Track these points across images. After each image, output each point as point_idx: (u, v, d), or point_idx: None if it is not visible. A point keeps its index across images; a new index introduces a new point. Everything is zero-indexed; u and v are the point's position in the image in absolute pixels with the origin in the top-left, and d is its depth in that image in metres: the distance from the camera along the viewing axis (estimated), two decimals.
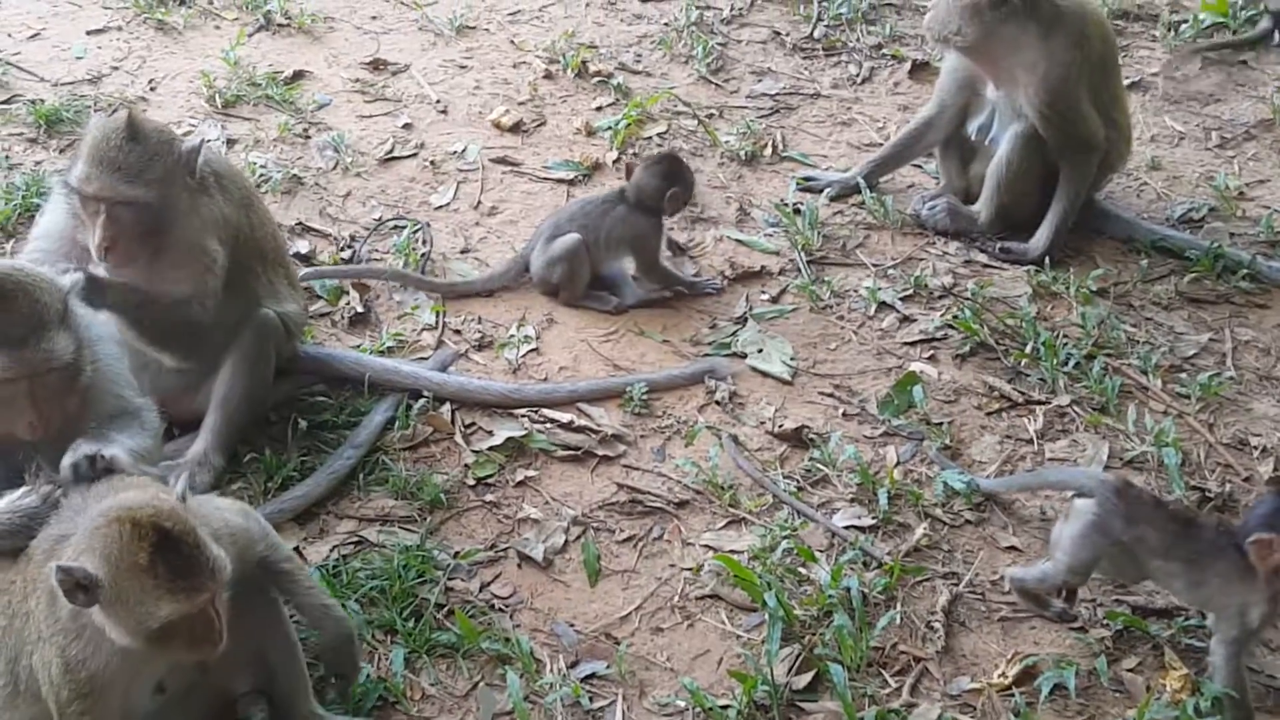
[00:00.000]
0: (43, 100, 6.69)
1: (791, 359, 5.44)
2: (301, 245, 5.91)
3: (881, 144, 6.74)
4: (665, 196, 5.74)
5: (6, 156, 6.30)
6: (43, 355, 3.66)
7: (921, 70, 7.52)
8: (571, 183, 6.52)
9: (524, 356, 5.45)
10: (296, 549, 4.34)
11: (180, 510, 3.25)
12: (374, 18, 7.86)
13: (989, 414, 5.19)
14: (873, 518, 4.69)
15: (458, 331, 5.56)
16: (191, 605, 3.16)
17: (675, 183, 5.76)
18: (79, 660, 3.29)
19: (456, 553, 4.54)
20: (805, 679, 4.08)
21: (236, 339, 4.79)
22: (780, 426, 5.10)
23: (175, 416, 4.59)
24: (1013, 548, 4.61)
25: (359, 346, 5.41)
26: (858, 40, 7.85)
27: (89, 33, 7.44)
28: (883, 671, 4.14)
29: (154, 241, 4.52)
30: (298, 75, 7.21)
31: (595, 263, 5.74)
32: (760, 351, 5.48)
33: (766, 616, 4.21)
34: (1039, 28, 5.87)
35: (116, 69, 7.13)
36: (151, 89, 6.95)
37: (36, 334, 3.65)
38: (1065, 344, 5.49)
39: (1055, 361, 5.37)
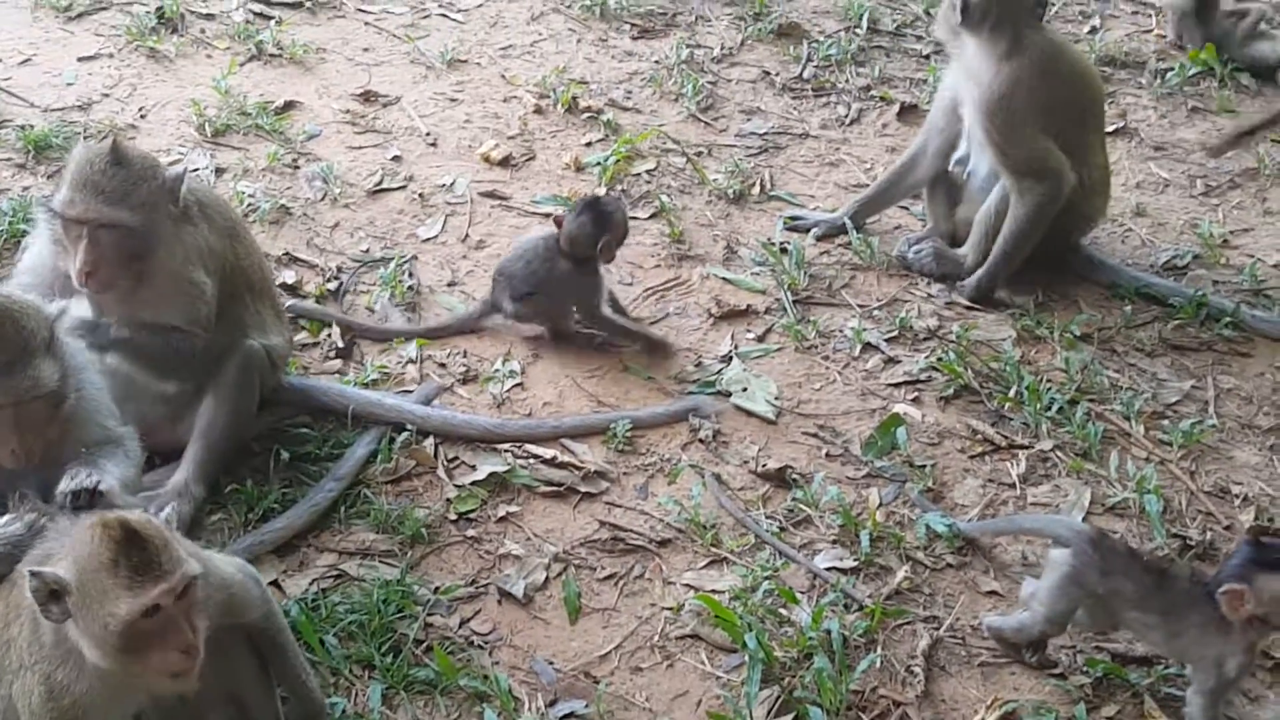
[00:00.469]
0: (32, 126, 6.69)
1: (776, 398, 5.44)
2: (288, 275, 5.91)
3: (869, 185, 6.76)
4: (598, 246, 5.62)
5: None
6: (29, 383, 3.66)
7: (910, 112, 7.56)
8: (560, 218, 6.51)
9: (508, 391, 5.44)
10: (275, 582, 4.33)
11: (153, 520, 3.26)
12: (365, 50, 7.88)
13: (972, 457, 5.19)
14: (854, 560, 4.68)
15: (442, 365, 5.55)
16: (147, 598, 3.11)
17: (605, 229, 5.62)
18: (62, 687, 3.27)
19: (437, 588, 4.52)
20: None
21: (220, 369, 4.78)
22: (763, 466, 5.10)
23: (156, 445, 4.57)
24: (994, 592, 4.60)
25: (343, 378, 5.40)
26: (846, 81, 7.89)
27: (80, 59, 7.44)
28: (862, 715, 4.13)
29: (136, 267, 4.51)
30: (288, 105, 7.22)
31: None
32: (745, 390, 5.48)
33: (747, 658, 4.20)
34: (1000, 48, 5.96)
35: (107, 96, 7.13)
36: (142, 116, 6.95)
37: (23, 361, 3.65)
38: (1049, 388, 5.51)
39: (1038, 406, 5.38)
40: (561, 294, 5.68)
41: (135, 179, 4.47)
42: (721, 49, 8.12)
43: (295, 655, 3.81)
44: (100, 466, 3.74)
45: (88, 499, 3.58)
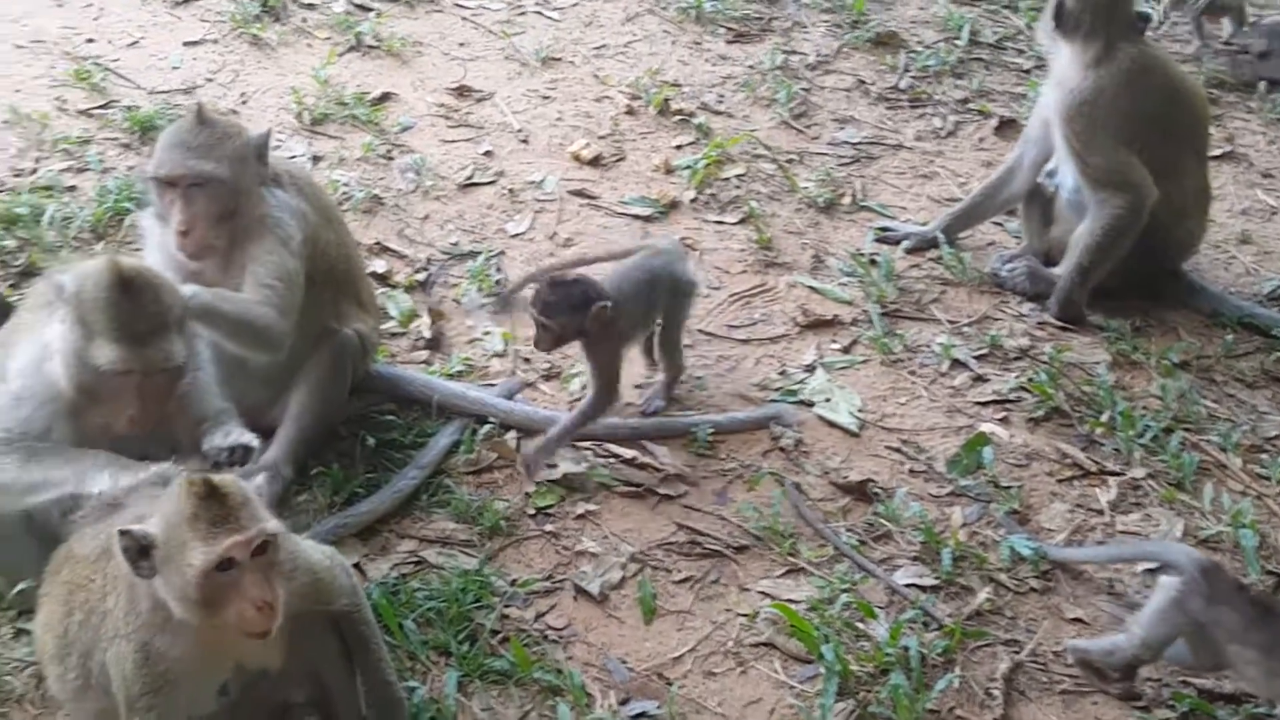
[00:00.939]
0: (138, 107, 6.80)
1: (859, 411, 5.39)
2: (378, 265, 5.95)
3: (962, 198, 6.69)
4: (588, 319, 4.94)
5: (101, 160, 6.39)
6: (160, 354, 3.80)
7: (1008, 127, 7.48)
8: (648, 219, 6.52)
9: None
10: (357, 565, 4.35)
11: (229, 476, 3.33)
12: (462, 44, 7.93)
13: (1060, 481, 5.11)
14: (935, 578, 4.62)
15: (527, 360, 5.56)
16: (220, 549, 3.18)
17: (588, 302, 4.91)
18: (157, 653, 3.35)
19: (514, 580, 4.53)
20: None
21: (315, 354, 4.84)
22: (845, 478, 5.05)
23: (251, 426, 4.60)
24: (1078, 619, 4.52)
25: (429, 369, 5.43)
26: (944, 93, 7.82)
27: (186, 44, 7.56)
28: None
29: (228, 226, 4.57)
30: (384, 97, 7.28)
31: None
32: (828, 401, 5.44)
33: (822, 669, 4.17)
34: (1090, 55, 5.94)
35: (210, 80, 7.22)
36: (243, 102, 7.04)
37: (157, 333, 3.79)
38: (1143, 415, 5.41)
39: (1131, 432, 5.29)
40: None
41: (220, 136, 4.59)
42: (817, 56, 8.08)
43: (379, 649, 3.83)
44: (238, 430, 3.92)
45: (242, 454, 3.80)
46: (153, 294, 3.81)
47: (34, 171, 6.32)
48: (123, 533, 3.24)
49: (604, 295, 4.94)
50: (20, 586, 4.05)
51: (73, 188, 6.22)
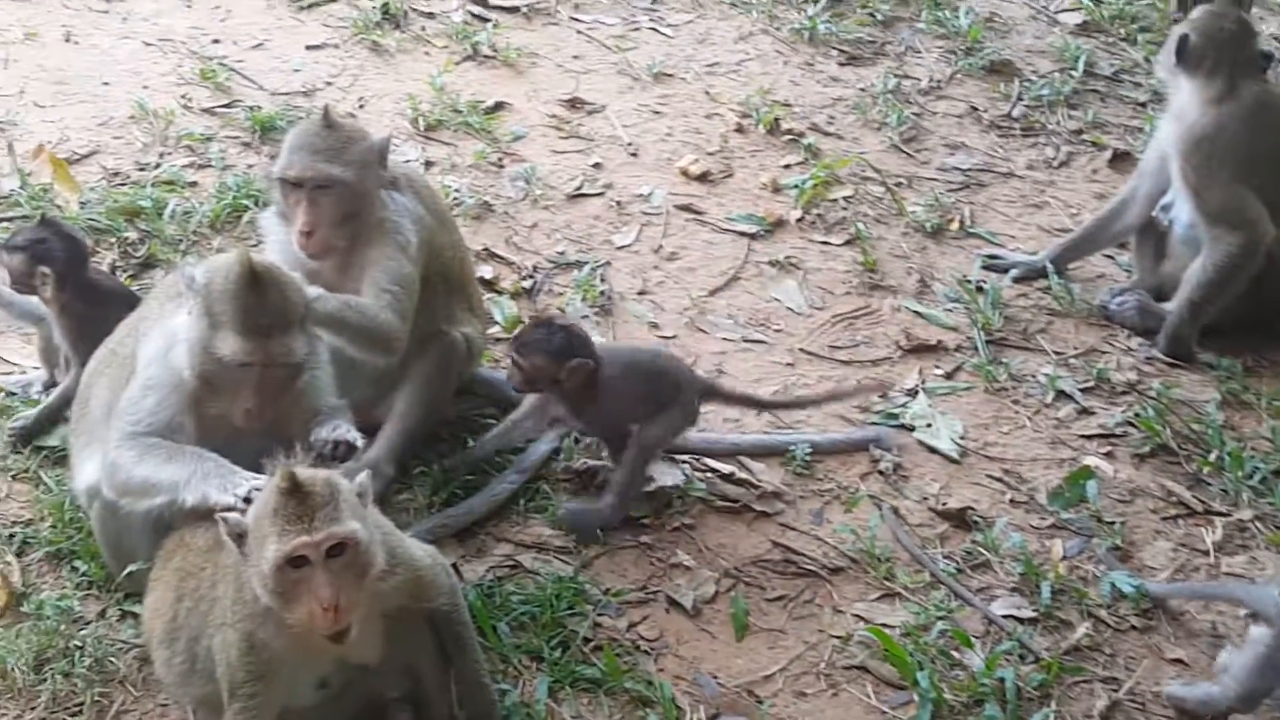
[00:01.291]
0: (260, 107, 6.94)
1: (961, 438, 5.35)
2: (485, 270, 6.01)
3: (1073, 229, 6.61)
4: (563, 371, 4.68)
5: (222, 157, 6.53)
6: (283, 348, 3.86)
7: (1122, 160, 7.38)
8: (753, 236, 6.52)
9: None
10: (455, 566, 4.39)
11: (328, 474, 3.38)
12: (576, 57, 7.98)
13: (1164, 519, 5.04)
14: (1033, 610, 4.57)
15: None
16: (288, 547, 3.23)
17: (570, 355, 4.69)
18: (261, 643, 3.41)
19: (607, 589, 4.55)
20: None
21: (422, 356, 4.89)
22: (944, 505, 5.02)
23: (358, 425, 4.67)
24: (1179, 660, 4.45)
25: None
26: (1057, 123, 7.74)
27: (308, 47, 7.69)
28: None
29: (350, 227, 4.65)
30: (498, 106, 7.35)
31: None
32: (929, 426, 5.41)
33: (916, 696, 4.15)
34: (1212, 92, 5.90)
35: (330, 84, 7.35)
36: (360, 106, 7.15)
37: (281, 328, 3.85)
38: (1252, 457, 5.31)
39: (1240, 473, 5.20)
40: None
41: (346, 139, 4.67)
42: (929, 81, 8.04)
43: (474, 650, 3.87)
44: (345, 426, 3.95)
45: (345, 450, 3.83)
46: (279, 290, 3.88)
47: (158, 166, 6.46)
48: (222, 518, 3.34)
49: (587, 352, 4.71)
50: (130, 569, 4.14)
51: (194, 183, 6.37)
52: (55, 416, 4.89)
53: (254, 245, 4.94)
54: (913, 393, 5.60)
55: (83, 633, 4.16)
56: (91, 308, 4.81)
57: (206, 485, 3.77)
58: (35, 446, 4.83)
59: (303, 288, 3.99)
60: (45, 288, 4.82)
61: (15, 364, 5.27)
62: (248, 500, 3.64)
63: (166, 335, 3.99)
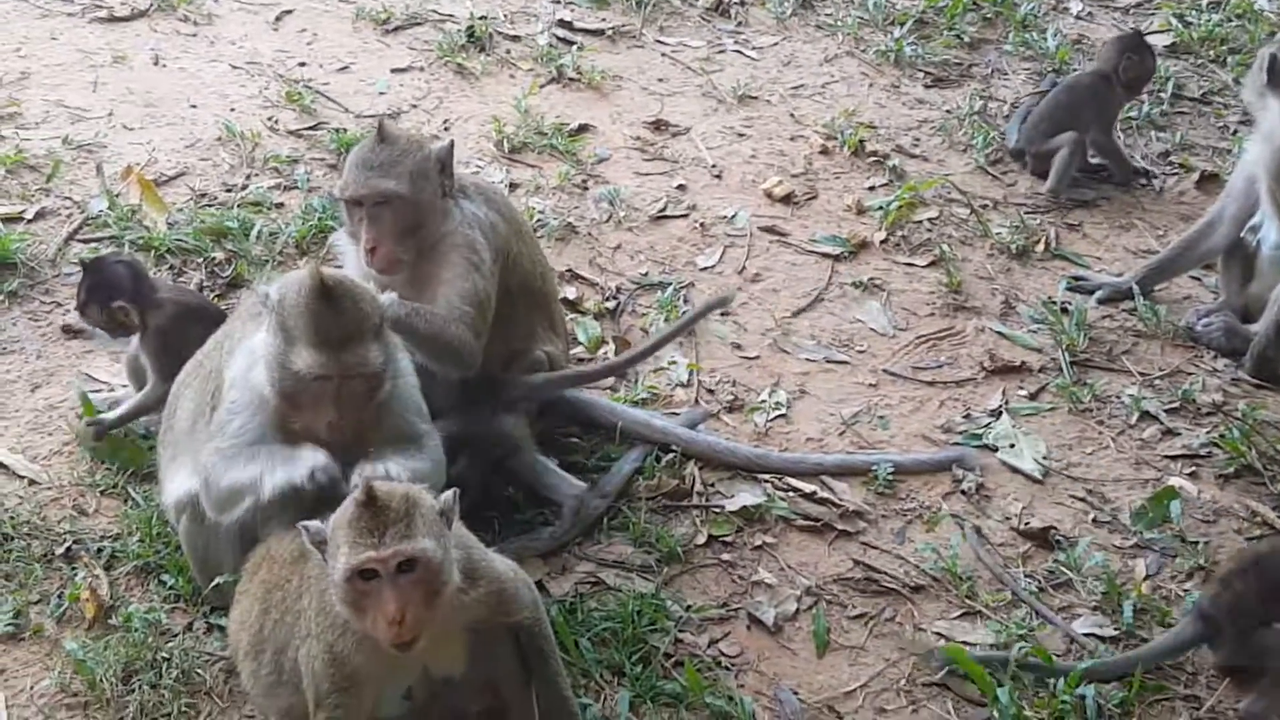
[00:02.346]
0: (345, 130, 7.07)
1: (1044, 458, 5.33)
2: (569, 291, 6.08)
3: (1159, 251, 6.57)
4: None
5: (308, 179, 6.67)
6: (357, 359, 3.87)
7: (1209, 181, 7.29)
8: (837, 258, 6.54)
9: (771, 422, 5.49)
10: (538, 582, 4.44)
11: (408, 490, 3.43)
12: (660, 80, 8.06)
13: (1249, 539, 4.97)
14: (1115, 629, 4.55)
15: (710, 391, 5.64)
16: (357, 560, 3.28)
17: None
18: (343, 656, 3.47)
19: (688, 606, 4.59)
20: None
21: (505, 373, 4.93)
22: (1026, 524, 5.00)
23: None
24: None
25: (613, 395, 5.54)
26: (1145, 145, 7.68)
27: (393, 70, 7.83)
28: None
29: (413, 241, 4.68)
30: (582, 128, 7.44)
31: None
32: (1012, 446, 5.39)
33: (996, 713, 4.13)
34: None
35: (415, 106, 7.49)
36: (445, 128, 7.27)
37: (355, 339, 3.87)
38: None
39: None
40: None
41: (400, 152, 4.69)
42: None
43: (557, 666, 3.90)
44: (393, 460, 3.93)
45: None
46: (351, 302, 3.89)
47: (244, 187, 6.62)
48: (304, 526, 3.41)
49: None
50: (216, 582, 4.25)
51: (280, 205, 6.51)
52: (130, 420, 5.06)
53: (338, 265, 5.03)
54: (996, 413, 5.59)
55: (170, 645, 4.27)
56: (170, 322, 4.96)
57: (274, 473, 3.86)
58: (123, 467, 4.95)
59: (376, 297, 4.00)
60: (131, 318, 4.97)
61: (104, 382, 5.40)
62: (315, 477, 3.75)
63: (247, 354, 4.05)
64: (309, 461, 3.83)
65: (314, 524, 3.43)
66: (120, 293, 4.96)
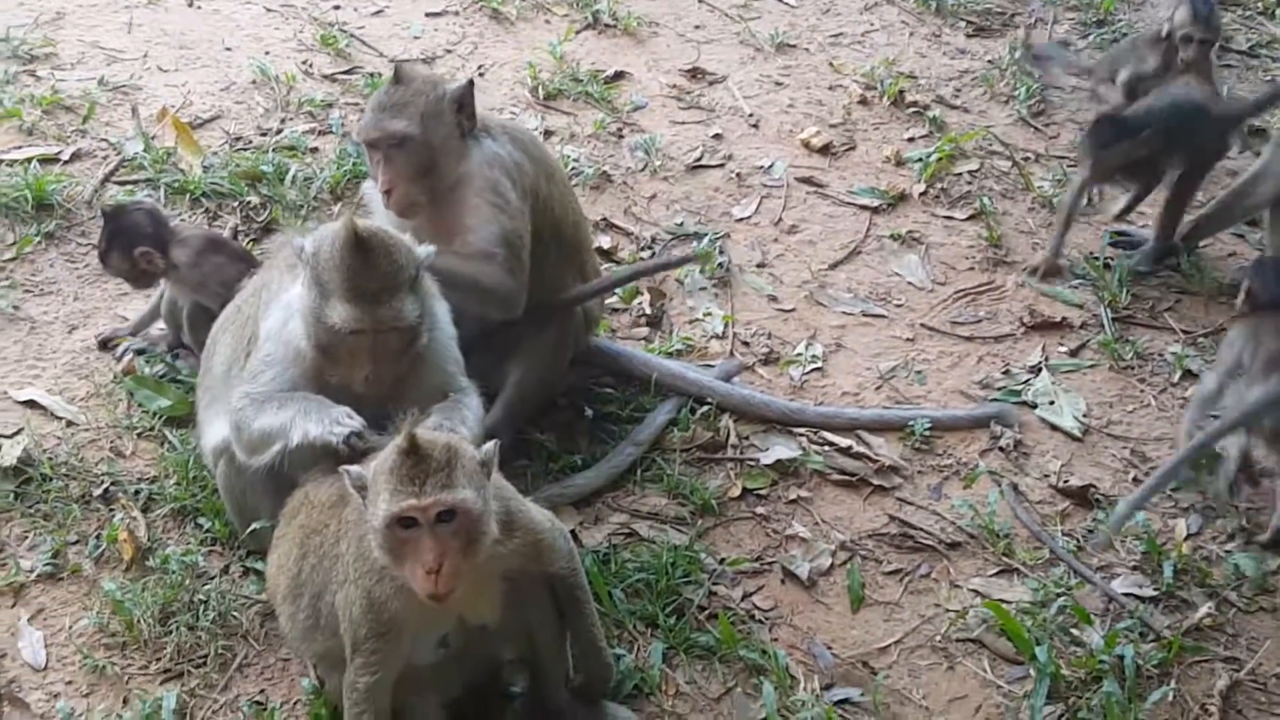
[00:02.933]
0: (380, 74, 7.02)
1: (1084, 415, 5.27)
2: (604, 240, 6.04)
3: (1204, 206, 6.46)
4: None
5: (343, 124, 6.63)
6: (391, 313, 3.83)
7: (1257, 136, 7.14)
8: (875, 210, 6.47)
9: (808, 375, 5.44)
10: (573, 533, 4.42)
11: (449, 439, 3.41)
12: (697, 27, 7.97)
13: None
14: (1155, 589, 4.51)
15: (746, 343, 5.59)
16: (398, 507, 3.27)
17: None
18: (380, 602, 3.46)
19: (722, 559, 4.57)
20: None
21: (539, 324, 4.88)
22: (1065, 482, 4.95)
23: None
24: None
25: (648, 346, 5.50)
26: None
27: (428, 14, 7.78)
28: None
29: (429, 182, 4.63)
30: (618, 75, 7.37)
31: None
32: (1052, 404, 5.33)
33: (1033, 671, 4.10)
34: None
35: (450, 51, 7.43)
36: (480, 74, 7.21)
37: (389, 292, 3.82)
38: None
39: None
40: None
41: (414, 93, 4.65)
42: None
43: (591, 615, 3.89)
44: (431, 413, 3.88)
45: None
46: (385, 254, 3.84)
47: (279, 132, 6.60)
48: (345, 471, 3.40)
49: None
50: (253, 527, 4.24)
51: (315, 149, 6.48)
52: (142, 327, 5.21)
53: (367, 214, 4.99)
54: (1035, 370, 5.53)
55: (206, 587, 4.29)
56: (195, 256, 4.97)
57: (307, 423, 3.81)
58: (156, 412, 4.96)
59: (413, 248, 3.95)
60: (156, 263, 4.98)
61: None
62: (350, 441, 3.72)
63: (284, 308, 4.02)
64: (340, 421, 3.79)
65: (355, 469, 3.42)
66: (142, 239, 4.97)
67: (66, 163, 6.23)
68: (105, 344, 5.24)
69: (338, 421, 3.78)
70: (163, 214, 5.18)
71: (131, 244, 4.95)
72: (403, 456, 3.30)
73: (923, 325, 5.77)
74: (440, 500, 3.28)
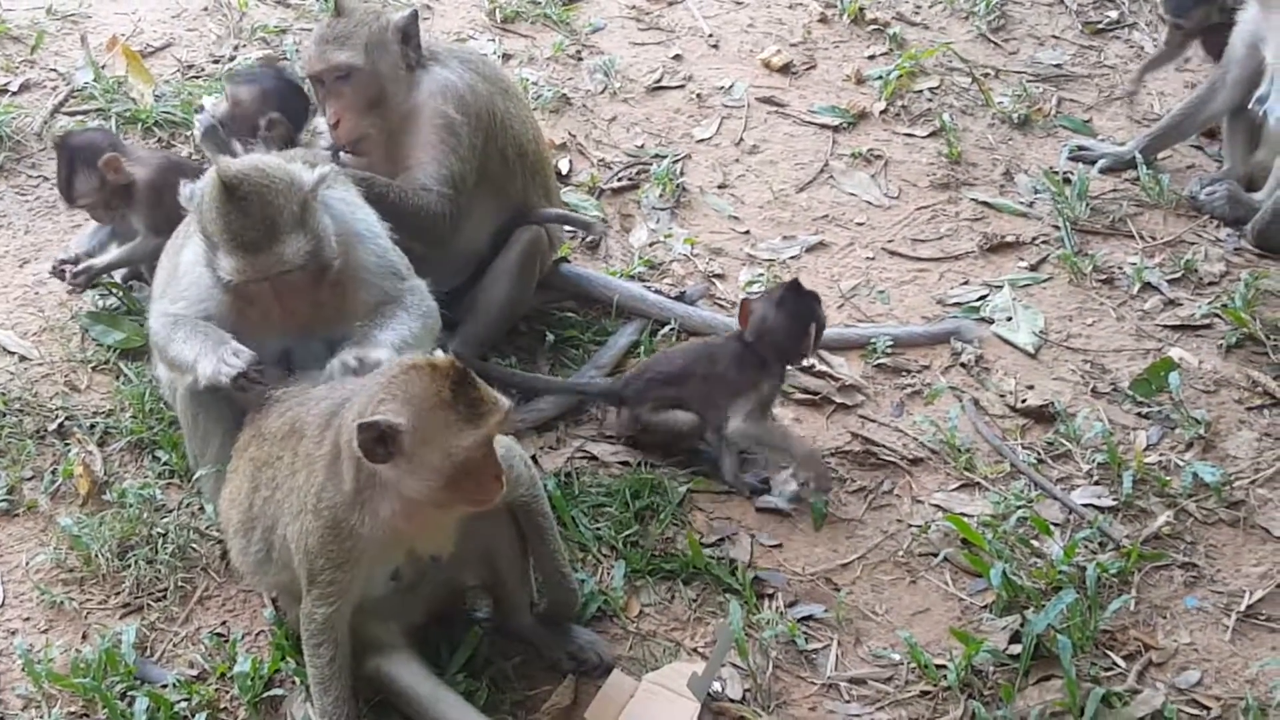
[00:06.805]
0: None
1: (1041, 331, 5.28)
2: (563, 164, 5.99)
3: (1162, 118, 6.44)
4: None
5: (297, 49, 6.50)
6: (274, 259, 3.72)
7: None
8: (836, 129, 6.43)
9: None
10: (533, 458, 4.41)
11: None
12: None
13: (1249, 409, 4.95)
14: (1114, 499, 4.54)
15: (710, 266, 5.56)
16: (489, 430, 3.29)
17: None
18: (348, 529, 3.41)
19: (686, 481, 4.58)
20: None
21: (506, 247, 4.87)
22: (1024, 399, 4.97)
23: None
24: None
25: (609, 269, 5.48)
26: (1150, 13, 7.51)
27: None
28: (1110, 654, 4.02)
29: (377, 113, 4.60)
30: None
31: None
32: (1009, 320, 5.33)
33: (993, 582, 4.13)
34: None
35: None
36: None
37: (269, 238, 3.71)
38: None
39: None
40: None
41: (356, 24, 4.60)
42: None
43: (555, 541, 3.88)
44: (371, 339, 3.85)
45: (356, 367, 3.73)
46: (260, 198, 3.71)
47: (231, 59, 6.49)
48: (365, 425, 3.23)
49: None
50: (200, 472, 4.17)
51: None
52: (116, 267, 5.02)
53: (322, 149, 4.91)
54: (996, 286, 5.53)
55: (165, 521, 4.27)
56: (157, 174, 4.84)
57: (204, 362, 3.74)
58: (112, 346, 4.90)
59: (295, 179, 3.80)
60: (123, 171, 4.80)
61: None
62: (239, 382, 3.67)
63: (197, 245, 3.92)
64: (226, 360, 3.72)
65: (381, 418, 3.24)
66: (103, 149, 4.82)
67: (15, 94, 6.15)
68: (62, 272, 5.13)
69: (224, 361, 3.71)
70: (114, 134, 5.09)
71: (95, 156, 4.80)
72: (458, 385, 3.29)
73: (883, 247, 5.75)
74: (503, 404, 3.35)
